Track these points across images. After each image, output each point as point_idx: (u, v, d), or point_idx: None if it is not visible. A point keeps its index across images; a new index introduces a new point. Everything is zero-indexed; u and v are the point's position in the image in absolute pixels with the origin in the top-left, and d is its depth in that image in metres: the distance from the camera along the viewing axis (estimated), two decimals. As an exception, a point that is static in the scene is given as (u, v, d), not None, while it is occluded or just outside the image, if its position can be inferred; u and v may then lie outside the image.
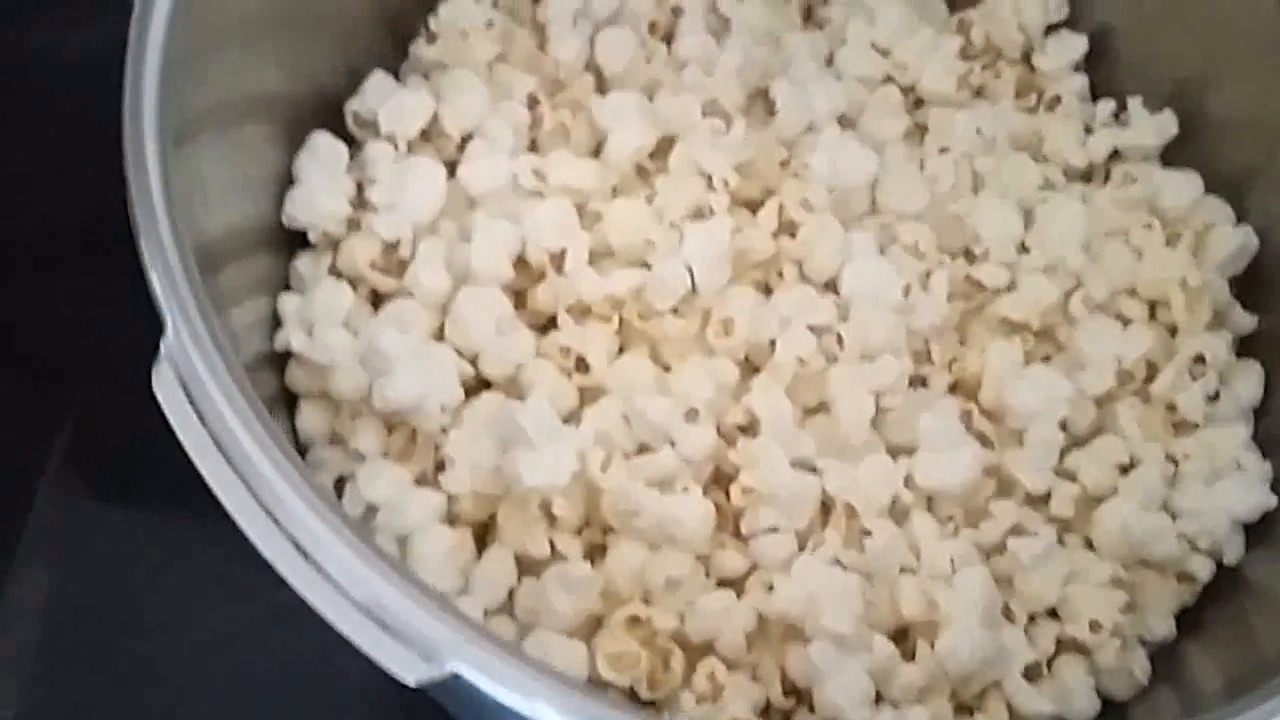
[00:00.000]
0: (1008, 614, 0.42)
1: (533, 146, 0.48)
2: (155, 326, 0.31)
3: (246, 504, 0.28)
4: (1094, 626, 0.41)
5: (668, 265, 0.45)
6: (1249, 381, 0.46)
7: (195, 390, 0.30)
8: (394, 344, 0.41)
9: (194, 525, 0.44)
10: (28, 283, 0.53)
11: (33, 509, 0.50)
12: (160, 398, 0.30)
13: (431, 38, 0.48)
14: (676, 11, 0.51)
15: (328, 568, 0.28)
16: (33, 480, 0.50)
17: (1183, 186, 0.48)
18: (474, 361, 0.44)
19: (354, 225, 0.46)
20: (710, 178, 0.46)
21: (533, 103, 0.47)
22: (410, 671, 0.28)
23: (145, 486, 0.50)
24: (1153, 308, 0.47)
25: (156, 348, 0.29)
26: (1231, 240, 0.46)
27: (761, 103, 0.50)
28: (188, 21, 0.37)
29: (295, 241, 0.46)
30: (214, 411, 0.30)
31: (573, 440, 0.41)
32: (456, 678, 0.28)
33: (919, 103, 0.51)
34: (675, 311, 0.44)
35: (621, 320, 0.45)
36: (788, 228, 0.47)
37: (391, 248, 0.45)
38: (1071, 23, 0.53)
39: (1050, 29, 0.53)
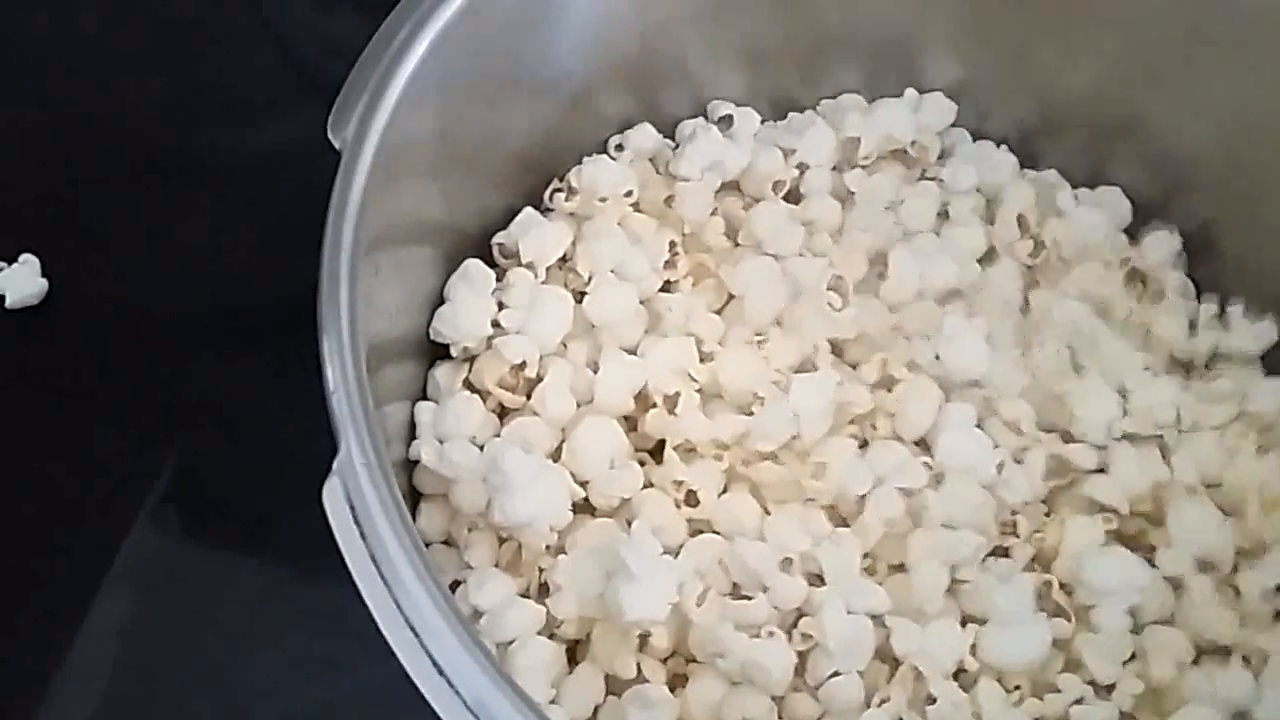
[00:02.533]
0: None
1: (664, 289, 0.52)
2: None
3: (396, 621, 0.32)
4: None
5: (773, 412, 0.48)
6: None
7: (360, 510, 0.34)
8: (515, 464, 0.45)
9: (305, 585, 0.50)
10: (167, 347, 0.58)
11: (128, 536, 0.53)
12: (329, 511, 0.34)
13: (570, 194, 0.53)
14: (802, 168, 0.55)
15: (460, 687, 0.32)
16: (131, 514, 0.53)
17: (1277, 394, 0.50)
18: (584, 485, 0.48)
19: (489, 344, 0.50)
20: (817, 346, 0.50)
21: (672, 250, 0.51)
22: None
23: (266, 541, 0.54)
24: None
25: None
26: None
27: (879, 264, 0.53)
28: (387, 157, 0.43)
29: (436, 354, 0.51)
30: (375, 535, 0.34)
31: (672, 574, 0.44)
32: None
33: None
34: (776, 457, 0.48)
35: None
36: (886, 382, 0.50)
37: (518, 368, 0.49)
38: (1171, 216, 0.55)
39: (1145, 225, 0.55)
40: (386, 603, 0.32)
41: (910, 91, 0.57)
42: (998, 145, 0.57)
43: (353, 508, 0.34)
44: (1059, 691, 0.45)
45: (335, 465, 0.35)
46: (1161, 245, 0.54)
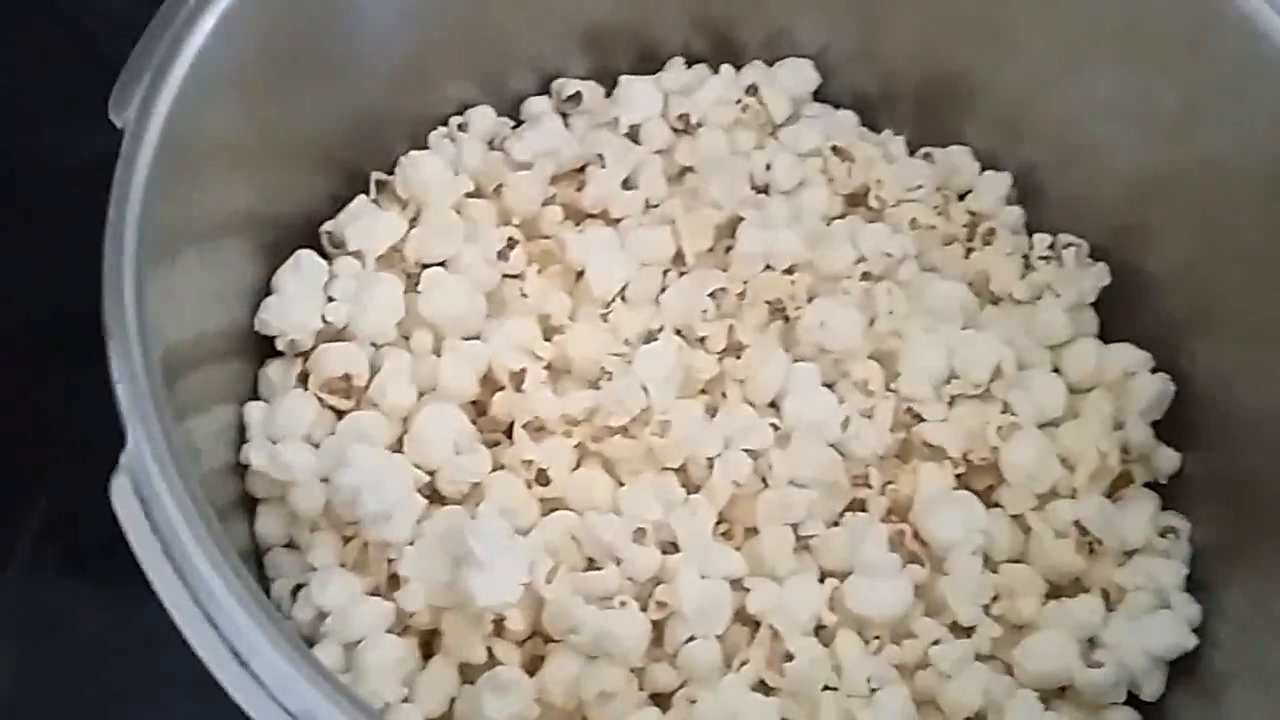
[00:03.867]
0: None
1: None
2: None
3: (193, 613, 0.30)
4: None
5: (621, 383, 0.47)
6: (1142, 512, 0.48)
7: (153, 504, 0.32)
8: (361, 459, 0.43)
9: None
10: (8, 371, 0.55)
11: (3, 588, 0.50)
12: (116, 507, 0.32)
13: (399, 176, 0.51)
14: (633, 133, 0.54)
15: (266, 679, 0.30)
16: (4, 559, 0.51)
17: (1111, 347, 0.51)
18: (431, 475, 0.46)
19: (324, 338, 0.49)
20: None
21: (510, 243, 0.50)
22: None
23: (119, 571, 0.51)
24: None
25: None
26: (1150, 387, 0.49)
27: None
28: (173, 146, 0.40)
29: (268, 352, 0.49)
30: (169, 527, 0.32)
31: (522, 554, 0.43)
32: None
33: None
34: (627, 430, 0.47)
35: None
36: (734, 349, 0.50)
37: (347, 377, 0.47)
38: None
39: (983, 169, 0.56)
40: (180, 594, 0.30)
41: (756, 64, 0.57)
42: (837, 109, 0.57)
43: (144, 502, 0.32)
44: (915, 637, 0.45)
45: (122, 460, 0.33)
46: (995, 185, 0.55)
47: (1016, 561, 0.47)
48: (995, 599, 0.46)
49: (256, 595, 0.32)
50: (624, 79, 0.56)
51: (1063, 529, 0.47)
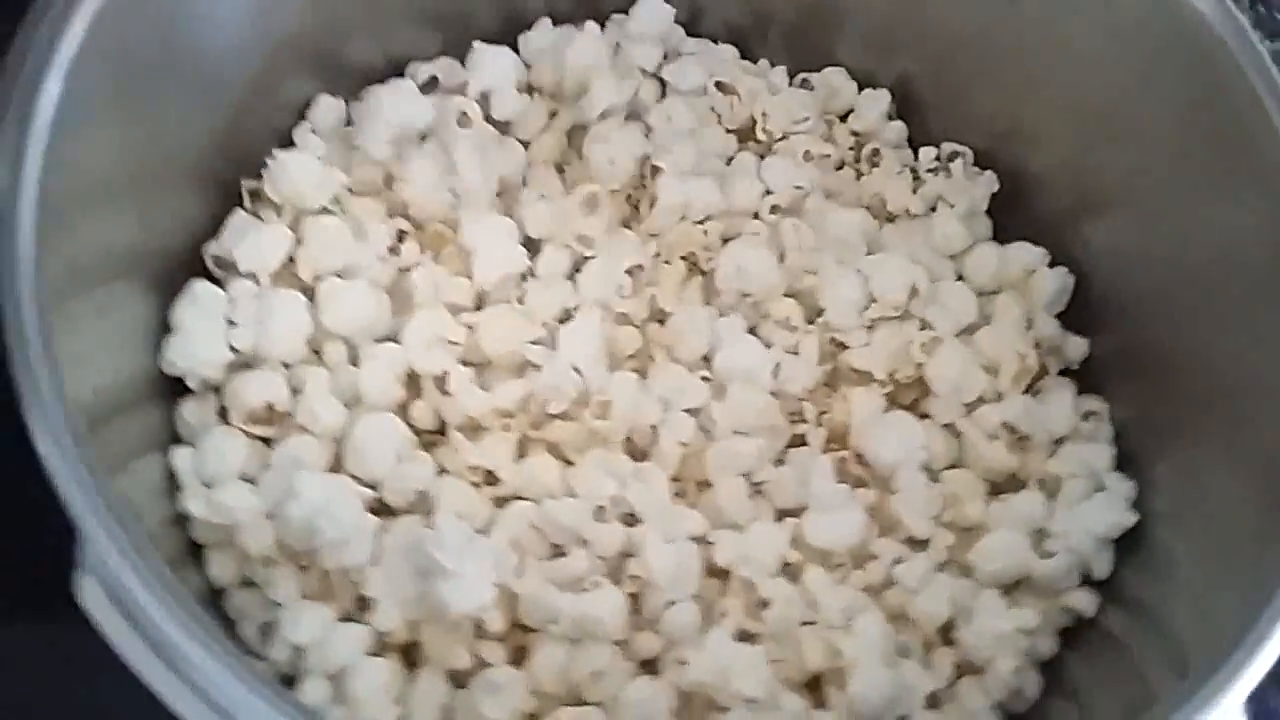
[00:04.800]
0: (904, 651, 0.45)
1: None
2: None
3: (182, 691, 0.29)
4: (989, 649, 0.45)
5: (551, 370, 0.47)
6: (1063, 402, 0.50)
7: (127, 601, 0.30)
8: (309, 487, 0.42)
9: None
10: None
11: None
12: (89, 609, 0.30)
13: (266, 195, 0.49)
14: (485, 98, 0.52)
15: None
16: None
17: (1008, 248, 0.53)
18: (374, 488, 0.45)
19: (235, 369, 0.47)
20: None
21: (400, 236, 0.49)
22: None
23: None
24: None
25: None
26: (1052, 282, 0.51)
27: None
28: (49, 197, 0.38)
29: (177, 390, 0.47)
30: (145, 617, 0.30)
31: (487, 555, 0.43)
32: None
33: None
34: (566, 414, 0.47)
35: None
36: (656, 315, 0.50)
37: (269, 406, 0.45)
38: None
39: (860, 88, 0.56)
40: (169, 680, 0.29)
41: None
42: (715, 43, 0.57)
43: (120, 602, 0.30)
44: (876, 558, 0.47)
45: (83, 560, 0.31)
46: (874, 103, 0.56)
47: (954, 468, 0.49)
48: (943, 507, 0.48)
49: (249, 670, 0.31)
50: (477, 45, 0.54)
51: (993, 431, 0.49)
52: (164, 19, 0.44)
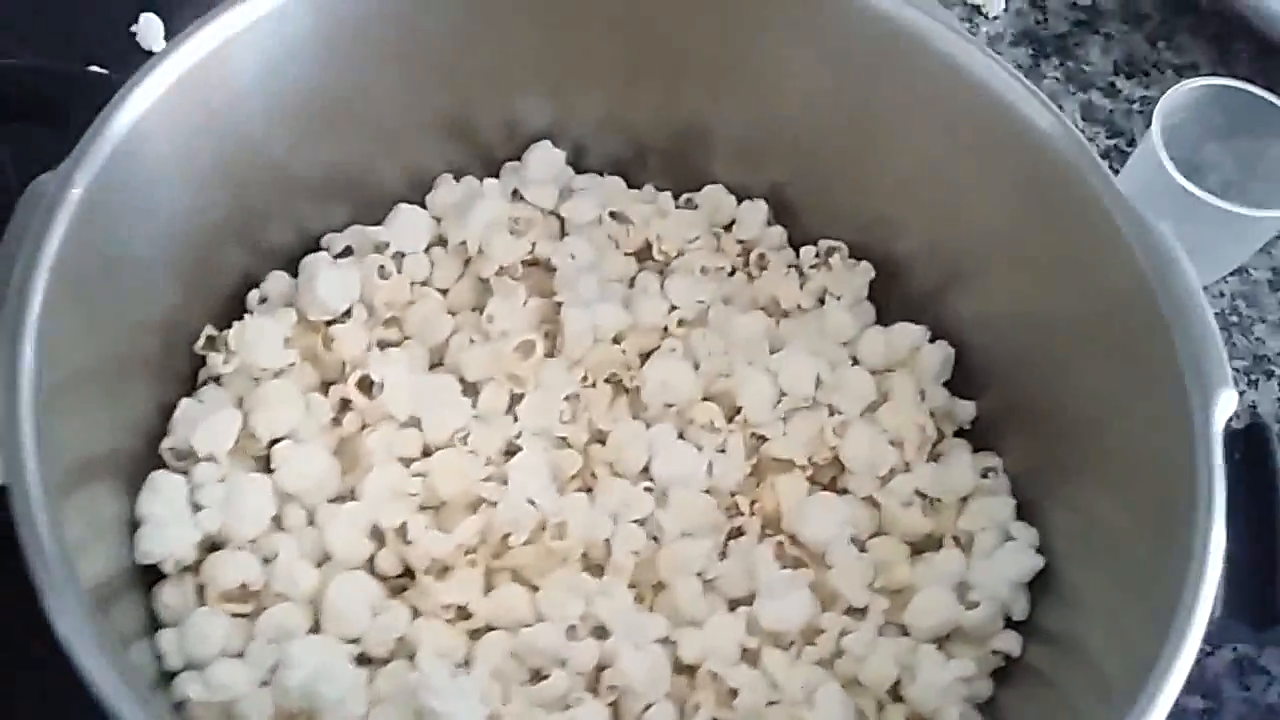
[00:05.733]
0: (860, 716, 0.50)
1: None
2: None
3: None
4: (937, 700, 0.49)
5: (508, 506, 0.50)
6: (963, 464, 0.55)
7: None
8: (303, 655, 0.45)
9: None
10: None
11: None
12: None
13: (228, 357, 0.52)
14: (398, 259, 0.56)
15: None
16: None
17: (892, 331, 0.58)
18: (355, 641, 0.48)
19: (205, 548, 0.49)
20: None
21: (344, 406, 0.52)
22: None
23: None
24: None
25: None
26: (935, 355, 0.57)
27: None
28: (47, 410, 0.41)
29: (149, 577, 0.49)
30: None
31: (473, 691, 0.46)
32: None
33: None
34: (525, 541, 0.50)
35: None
36: (596, 436, 0.54)
37: (244, 586, 0.48)
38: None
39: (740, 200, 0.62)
40: None
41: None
42: (602, 175, 0.62)
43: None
44: (823, 631, 0.51)
45: None
46: (754, 211, 0.61)
47: (875, 535, 0.55)
48: (874, 575, 0.53)
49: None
50: (398, 208, 0.58)
51: (907, 498, 0.54)
52: (117, 220, 0.46)
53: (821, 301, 0.60)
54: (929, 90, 0.53)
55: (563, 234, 0.60)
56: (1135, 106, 0.77)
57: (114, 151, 0.43)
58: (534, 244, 0.58)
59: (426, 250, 0.58)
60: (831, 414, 0.56)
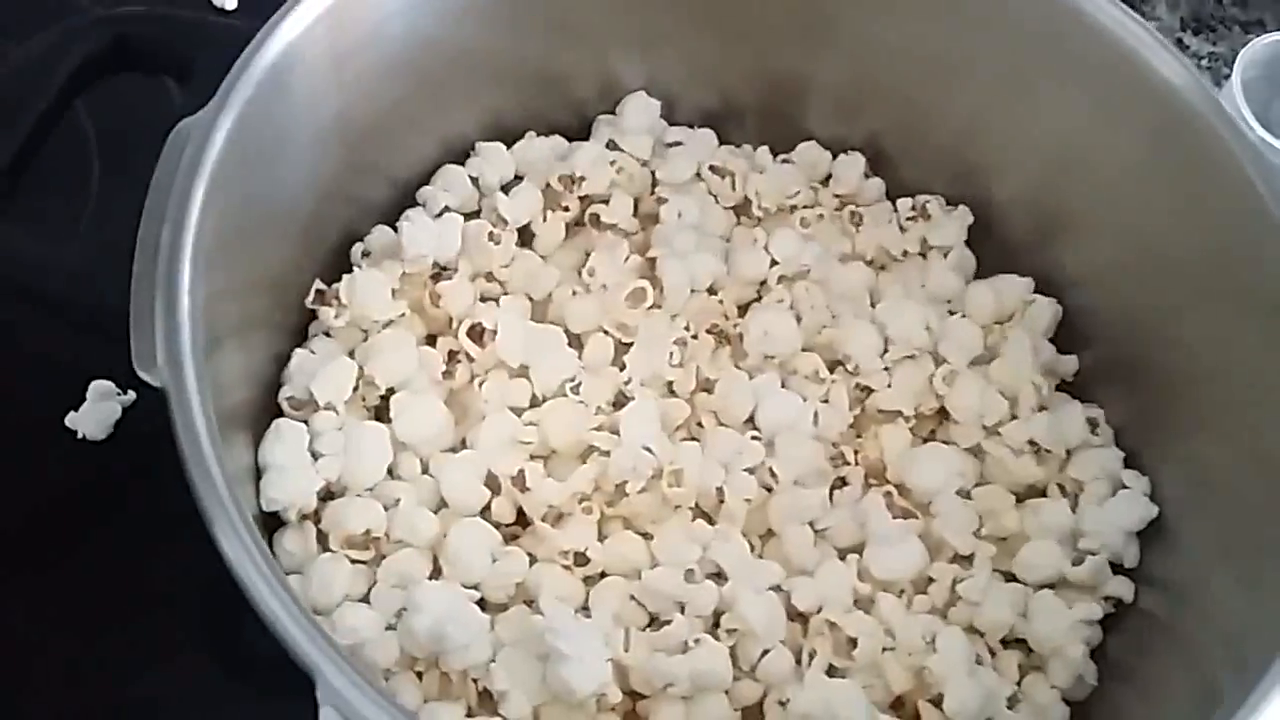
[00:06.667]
0: (978, 660, 0.50)
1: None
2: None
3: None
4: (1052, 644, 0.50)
5: (621, 455, 0.51)
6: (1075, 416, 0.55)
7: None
8: (431, 599, 0.46)
9: None
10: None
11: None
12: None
13: (340, 310, 0.52)
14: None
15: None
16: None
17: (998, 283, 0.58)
18: (475, 587, 0.49)
19: (327, 496, 0.50)
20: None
21: (452, 359, 0.52)
22: None
23: None
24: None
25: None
26: (1045, 312, 0.57)
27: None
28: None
29: (270, 524, 0.49)
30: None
31: (597, 634, 0.46)
32: None
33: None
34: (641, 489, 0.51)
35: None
36: (703, 385, 0.54)
37: (367, 533, 0.48)
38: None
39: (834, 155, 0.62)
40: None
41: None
42: (694, 129, 0.61)
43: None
44: (933, 580, 0.52)
45: (320, 697, 0.35)
46: (852, 165, 0.61)
47: (979, 485, 0.55)
48: (980, 523, 0.53)
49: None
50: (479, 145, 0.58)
51: (1019, 447, 0.54)
52: (254, 174, 0.47)
53: (923, 255, 0.59)
54: (1047, 39, 0.53)
55: (653, 187, 0.60)
56: (1204, 63, 0.76)
57: (253, 96, 0.43)
58: (637, 199, 0.58)
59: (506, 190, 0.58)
60: (937, 364, 0.56)
